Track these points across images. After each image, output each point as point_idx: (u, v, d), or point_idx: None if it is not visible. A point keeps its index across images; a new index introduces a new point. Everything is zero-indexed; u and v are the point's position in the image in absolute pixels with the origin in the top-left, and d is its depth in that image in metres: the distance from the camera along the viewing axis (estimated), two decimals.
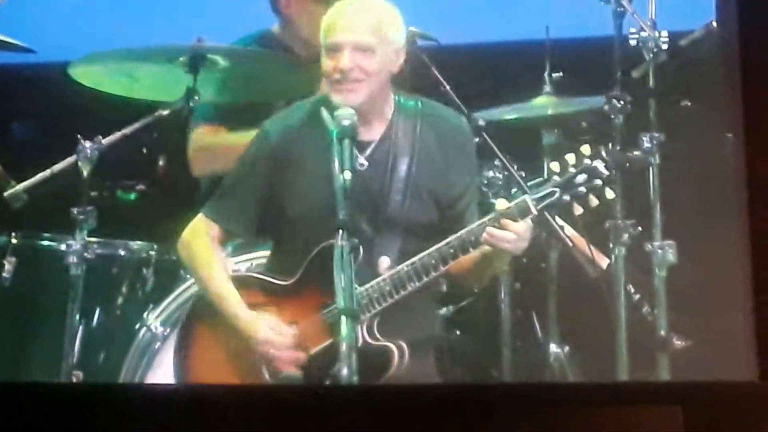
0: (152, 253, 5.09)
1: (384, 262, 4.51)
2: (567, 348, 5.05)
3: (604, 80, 5.01)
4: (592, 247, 4.80)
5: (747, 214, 4.35)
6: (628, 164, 4.86)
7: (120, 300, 5.07)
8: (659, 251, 4.84)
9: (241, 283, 4.61)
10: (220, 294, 4.58)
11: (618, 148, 4.89)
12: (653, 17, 5.00)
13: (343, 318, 4.26)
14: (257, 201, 4.59)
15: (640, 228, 4.87)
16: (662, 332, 4.81)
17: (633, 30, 4.99)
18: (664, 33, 4.97)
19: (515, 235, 4.41)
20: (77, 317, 4.85)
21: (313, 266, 4.54)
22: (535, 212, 4.43)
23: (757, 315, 4.30)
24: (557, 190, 4.43)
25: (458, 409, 4.29)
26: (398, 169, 4.57)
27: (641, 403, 4.23)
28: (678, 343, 4.77)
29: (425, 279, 4.47)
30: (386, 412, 4.25)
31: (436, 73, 5.04)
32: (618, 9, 4.99)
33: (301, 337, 4.53)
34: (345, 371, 4.23)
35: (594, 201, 4.44)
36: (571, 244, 4.77)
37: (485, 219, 4.44)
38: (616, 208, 4.86)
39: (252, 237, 4.72)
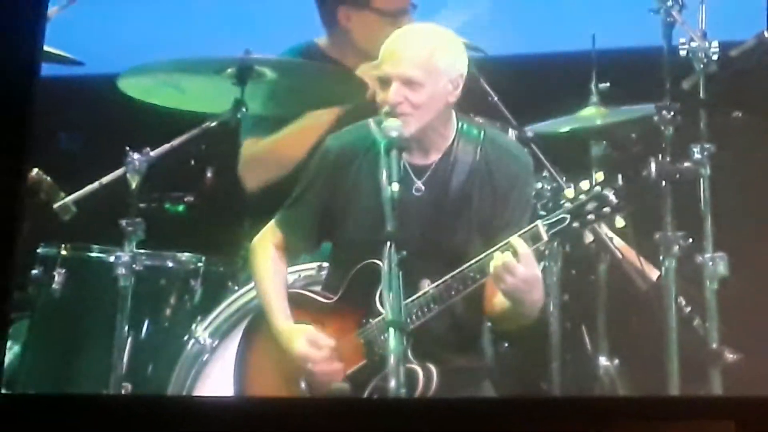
0: (200, 264, 5.10)
1: (424, 284, 4.51)
2: (617, 361, 5.01)
3: (653, 91, 4.98)
4: (642, 259, 4.77)
5: None
6: (678, 175, 4.84)
7: (168, 311, 5.08)
8: (710, 263, 4.80)
9: (291, 299, 4.62)
10: (269, 305, 4.61)
11: (668, 158, 4.86)
12: (703, 27, 4.96)
13: (391, 330, 4.26)
14: (316, 214, 4.62)
15: (690, 240, 4.83)
16: (714, 345, 4.76)
17: (683, 40, 4.96)
18: (715, 43, 4.94)
19: (512, 271, 4.38)
20: (126, 329, 4.87)
21: (354, 284, 4.55)
22: (546, 239, 4.44)
23: None
24: (568, 216, 4.44)
25: (507, 422, 4.27)
26: (451, 195, 4.57)
27: (693, 417, 4.20)
28: (730, 356, 4.73)
29: (448, 301, 4.47)
30: (434, 425, 4.24)
31: (484, 84, 5.05)
32: (668, 19, 4.96)
33: (338, 356, 4.53)
34: (393, 383, 4.22)
35: (600, 228, 4.54)
36: (620, 255, 4.75)
37: (501, 244, 4.44)
38: (666, 219, 4.83)
39: (312, 249, 4.73)
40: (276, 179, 5.17)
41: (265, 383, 4.60)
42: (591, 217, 4.45)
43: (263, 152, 5.20)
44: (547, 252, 4.88)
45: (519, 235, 4.44)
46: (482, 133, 4.64)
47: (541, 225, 4.45)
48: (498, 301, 4.51)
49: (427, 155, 4.59)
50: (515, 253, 4.40)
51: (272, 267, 4.63)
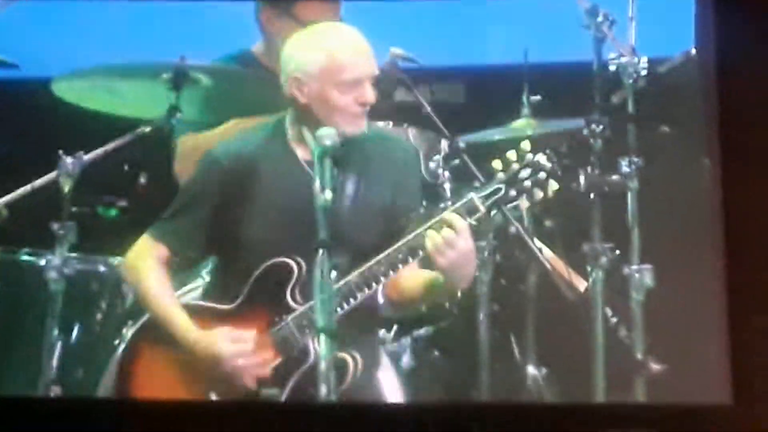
0: None
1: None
2: (544, 370, 5.08)
3: (583, 105, 5.05)
4: (570, 270, 4.84)
5: (724, 239, 4.40)
6: (606, 188, 4.91)
7: (99, 316, 5.06)
8: (636, 275, 4.88)
9: (187, 310, 4.60)
10: (171, 319, 4.57)
11: (597, 171, 4.94)
12: (633, 43, 5.05)
13: (322, 336, 4.28)
14: (207, 222, 4.60)
15: (617, 251, 4.91)
16: (639, 355, 4.83)
17: (613, 55, 5.04)
18: (644, 59, 5.02)
19: (444, 240, 4.41)
20: (56, 332, 4.85)
21: (258, 287, 4.56)
22: (483, 210, 4.46)
23: (732, 339, 4.34)
24: (502, 186, 4.47)
25: (436, 428, 4.31)
26: (346, 188, 4.61)
27: (617, 425, 4.26)
28: (654, 366, 4.80)
29: (374, 287, 4.50)
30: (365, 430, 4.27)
31: (417, 94, 5.09)
32: (598, 35, 5.03)
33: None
34: (323, 389, 4.25)
35: (539, 194, 4.47)
36: (549, 266, 4.81)
37: (431, 222, 4.47)
38: (594, 231, 4.90)
39: (199, 261, 4.73)
40: None
41: (165, 392, 4.57)
42: (527, 183, 4.47)
43: (200, 145, 5.17)
44: (478, 263, 4.92)
45: (453, 210, 4.47)
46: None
47: (476, 197, 4.48)
48: (423, 278, 4.52)
49: None
50: (453, 227, 4.43)
51: (162, 280, 4.60)
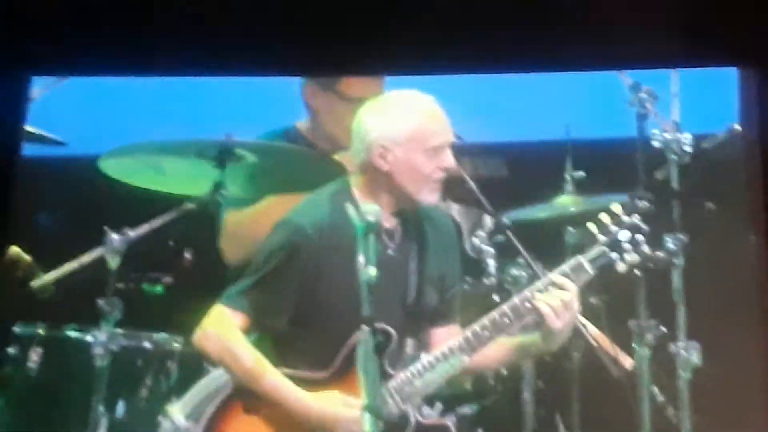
0: (176, 345, 5.10)
1: (407, 343, 4.57)
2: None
3: (626, 181, 5.04)
4: (615, 347, 4.81)
5: None
6: (652, 264, 4.89)
7: (144, 392, 5.07)
8: (683, 352, 4.85)
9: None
10: (276, 383, 4.57)
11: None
12: (676, 119, 5.05)
13: (367, 415, 4.27)
14: (293, 293, 4.62)
15: (664, 328, 4.88)
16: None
17: (656, 131, 5.04)
18: (687, 135, 5.02)
19: (562, 302, 4.48)
20: (101, 408, 4.86)
21: (351, 354, 4.56)
22: (591, 273, 4.54)
23: None
24: (606, 249, 4.54)
25: None
26: (412, 257, 4.67)
27: None
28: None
29: (477, 350, 4.54)
30: None
31: (461, 171, 5.11)
32: (641, 111, 5.04)
33: None
34: None
35: (635, 257, 4.55)
36: (595, 343, 4.78)
37: (537, 284, 4.55)
38: (640, 308, 4.88)
39: (283, 329, 4.72)
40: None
41: None
42: (627, 245, 4.56)
43: (246, 222, 5.21)
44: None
45: (560, 272, 4.54)
46: None
47: (583, 259, 4.54)
48: (515, 341, 4.58)
49: (390, 219, 4.68)
50: (566, 290, 4.48)
51: (253, 349, 4.62)
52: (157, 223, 4.95)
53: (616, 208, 4.58)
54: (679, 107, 5.06)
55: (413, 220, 4.72)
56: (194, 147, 4.98)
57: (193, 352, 5.08)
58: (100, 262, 4.90)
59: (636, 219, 4.58)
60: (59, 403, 5.02)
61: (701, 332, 4.86)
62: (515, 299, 4.56)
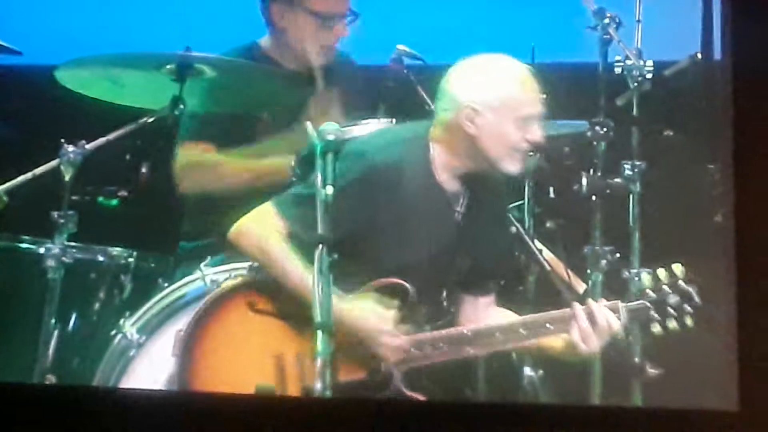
0: (131, 259, 5.08)
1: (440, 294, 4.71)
2: (540, 372, 5.07)
3: (587, 106, 5.04)
4: (569, 272, 4.83)
5: (734, 241, 4.35)
6: (608, 191, 4.90)
7: (97, 305, 5.06)
8: (636, 278, 4.87)
9: None
10: (306, 280, 4.48)
11: (599, 174, 4.92)
12: (639, 46, 5.03)
13: (319, 332, 4.27)
14: (345, 222, 4.51)
15: (618, 254, 4.90)
16: (636, 359, 4.82)
17: (618, 58, 5.02)
18: (649, 62, 5.01)
19: (602, 336, 4.56)
20: (53, 321, 4.84)
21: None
22: (625, 320, 4.59)
23: (739, 342, 4.31)
24: (650, 306, 4.59)
25: (432, 426, 4.31)
26: (475, 223, 4.69)
27: (617, 430, 4.24)
28: (651, 370, 4.79)
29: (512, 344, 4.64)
30: (362, 427, 4.27)
31: (422, 92, 5.09)
32: (604, 36, 5.02)
33: None
34: (319, 386, 4.25)
35: (674, 324, 4.60)
36: (549, 267, 4.80)
37: (584, 306, 4.59)
38: (595, 234, 4.89)
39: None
40: (214, 192, 5.14)
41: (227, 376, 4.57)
42: (671, 311, 4.59)
43: (212, 164, 5.14)
44: None
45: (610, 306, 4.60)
46: None
47: (621, 306, 4.60)
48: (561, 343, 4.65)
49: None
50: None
51: (294, 255, 4.56)
52: (113, 136, 4.90)
53: (678, 269, 4.60)
54: (642, 34, 5.04)
55: (482, 188, 4.69)
56: (153, 60, 4.93)
57: (147, 267, 5.09)
58: (55, 173, 4.86)
59: (692, 288, 4.58)
60: (10, 315, 5.00)
61: (655, 259, 4.88)
62: (556, 313, 4.61)
